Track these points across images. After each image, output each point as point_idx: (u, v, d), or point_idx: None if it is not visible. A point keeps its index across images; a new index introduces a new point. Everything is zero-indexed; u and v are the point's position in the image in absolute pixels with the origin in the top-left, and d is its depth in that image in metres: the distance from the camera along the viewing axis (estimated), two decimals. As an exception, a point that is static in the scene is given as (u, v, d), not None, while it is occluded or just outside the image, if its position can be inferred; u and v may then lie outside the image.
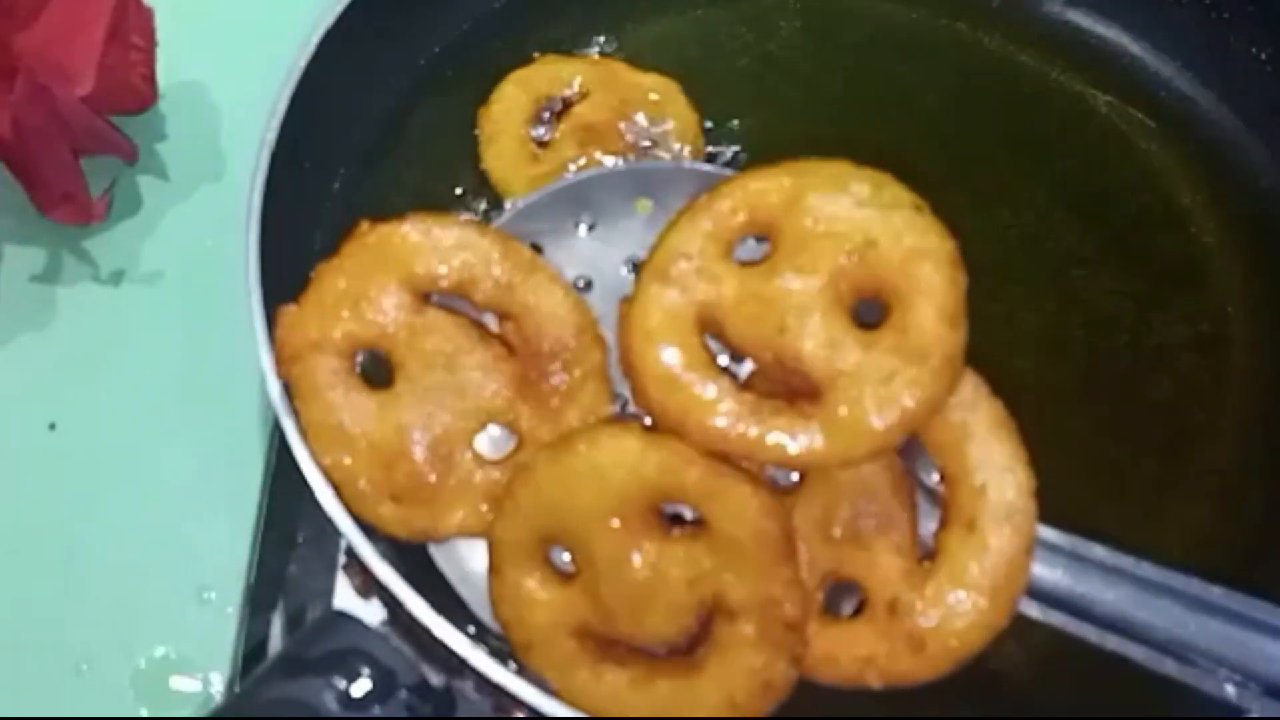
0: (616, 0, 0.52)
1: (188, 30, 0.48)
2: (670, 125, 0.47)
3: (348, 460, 0.35)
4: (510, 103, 0.48)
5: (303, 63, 0.43)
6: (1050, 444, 0.42)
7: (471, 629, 0.36)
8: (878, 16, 0.53)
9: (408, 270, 0.36)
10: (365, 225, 0.37)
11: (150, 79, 0.47)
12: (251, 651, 0.40)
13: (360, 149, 0.48)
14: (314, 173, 0.44)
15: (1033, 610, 0.35)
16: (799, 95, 0.51)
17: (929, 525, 0.35)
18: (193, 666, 0.39)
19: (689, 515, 0.34)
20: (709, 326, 0.35)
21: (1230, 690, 0.34)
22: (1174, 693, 0.35)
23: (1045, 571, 0.35)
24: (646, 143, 0.47)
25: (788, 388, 0.34)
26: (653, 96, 0.48)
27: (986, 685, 0.34)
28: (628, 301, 0.35)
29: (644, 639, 0.33)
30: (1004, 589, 0.33)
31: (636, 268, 0.40)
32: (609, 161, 0.46)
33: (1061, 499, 0.35)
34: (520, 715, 0.35)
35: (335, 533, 0.35)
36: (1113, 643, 0.35)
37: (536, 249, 0.41)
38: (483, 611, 0.36)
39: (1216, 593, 0.35)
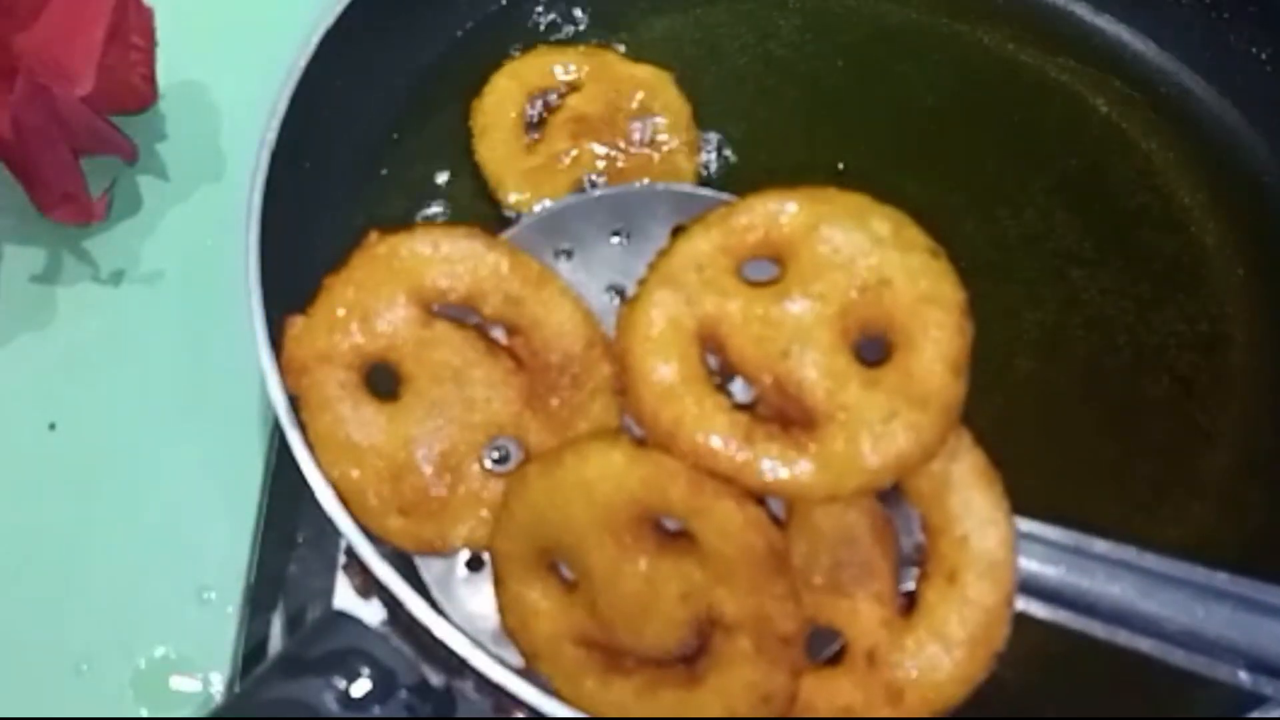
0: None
1: (188, 30, 0.48)
2: (663, 117, 0.47)
3: (356, 473, 0.35)
4: (502, 95, 0.48)
5: (303, 63, 0.43)
6: (1050, 444, 0.43)
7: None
8: (878, 16, 0.53)
9: (416, 283, 0.36)
10: (374, 236, 0.37)
11: (150, 79, 0.47)
12: (251, 651, 0.40)
13: (360, 149, 0.48)
14: (314, 173, 0.44)
15: (1037, 609, 0.35)
16: (799, 95, 0.51)
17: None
18: (193, 666, 0.39)
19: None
20: (710, 342, 0.34)
21: (1243, 676, 0.34)
22: (1186, 683, 0.35)
23: (1048, 569, 0.35)
24: (639, 134, 0.47)
25: (782, 414, 0.33)
26: (642, 91, 0.48)
27: (986, 687, 0.34)
28: (630, 304, 0.35)
29: (644, 650, 0.33)
30: (983, 642, 0.33)
31: (620, 295, 0.40)
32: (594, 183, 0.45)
33: (1062, 499, 0.35)
34: (520, 715, 0.35)
35: (335, 533, 0.35)
36: (1121, 637, 0.35)
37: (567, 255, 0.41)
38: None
39: (1222, 579, 0.35)
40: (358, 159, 0.48)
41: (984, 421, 0.35)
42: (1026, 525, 0.35)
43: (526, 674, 0.33)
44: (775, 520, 0.33)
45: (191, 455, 0.43)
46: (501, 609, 0.35)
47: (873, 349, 0.34)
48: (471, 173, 0.47)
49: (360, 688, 0.33)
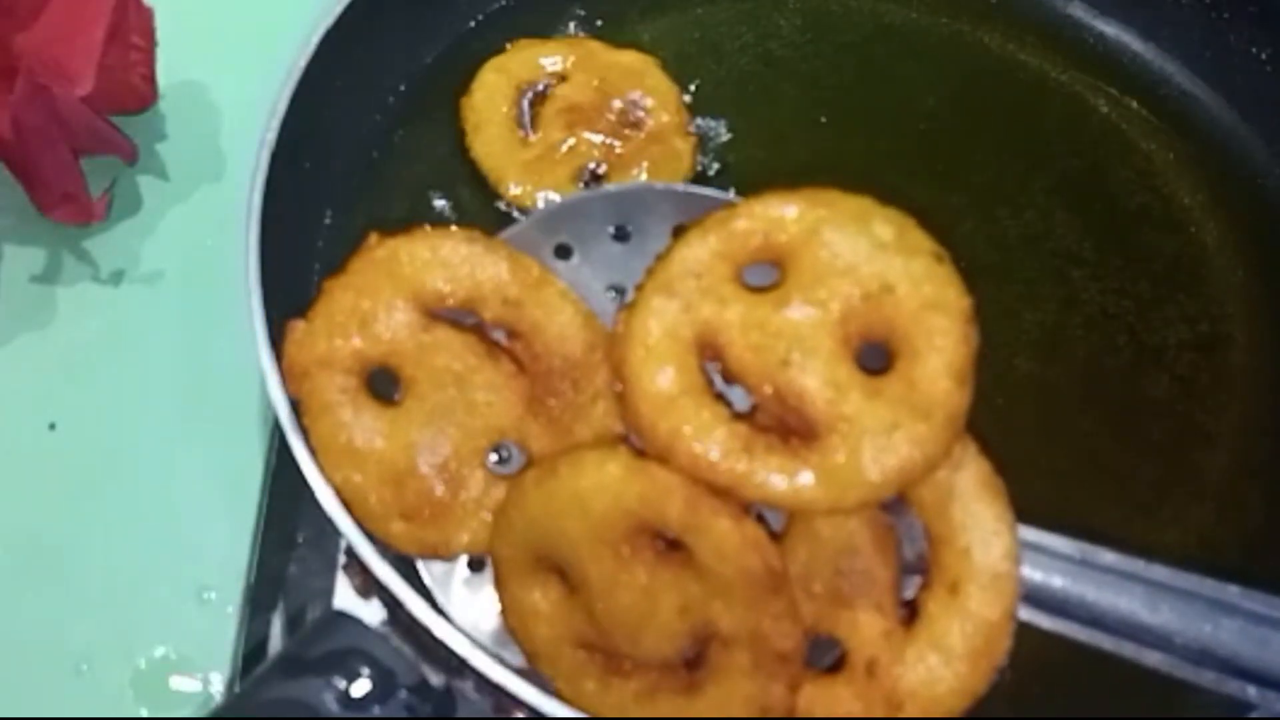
0: (616, -1, 0.52)
1: (188, 30, 0.48)
2: (652, 101, 0.48)
3: (358, 478, 0.35)
4: (491, 90, 0.48)
5: (303, 63, 0.43)
6: (1050, 444, 0.43)
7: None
8: (878, 16, 0.53)
9: (416, 286, 0.36)
10: (374, 239, 0.37)
11: (150, 79, 0.47)
12: (251, 651, 0.39)
13: (360, 148, 0.48)
14: (314, 173, 0.44)
15: (1043, 620, 0.35)
16: (799, 94, 0.51)
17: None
18: (193, 666, 0.39)
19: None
20: (709, 350, 0.33)
21: (1252, 692, 0.34)
22: (1191, 697, 0.35)
23: (1054, 579, 0.35)
24: (632, 118, 0.47)
25: (782, 424, 0.33)
26: (629, 77, 0.48)
27: (986, 698, 0.34)
28: (628, 310, 0.34)
29: (642, 657, 0.33)
30: (984, 655, 0.33)
31: (620, 294, 0.40)
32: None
33: (1062, 499, 0.35)
34: (520, 715, 0.35)
35: (335, 533, 0.35)
36: (1128, 650, 0.34)
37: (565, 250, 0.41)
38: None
39: (1233, 592, 0.34)
40: (358, 159, 0.48)
41: (983, 422, 0.34)
42: (1032, 535, 0.35)
43: (526, 674, 0.33)
44: (773, 534, 0.32)
45: (191, 455, 0.43)
46: (503, 610, 0.35)
47: (875, 355, 0.33)
48: (471, 172, 0.47)
49: (360, 688, 0.33)
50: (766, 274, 0.35)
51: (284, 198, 0.40)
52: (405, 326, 0.36)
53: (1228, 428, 0.44)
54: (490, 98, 0.48)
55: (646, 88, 0.48)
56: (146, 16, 0.46)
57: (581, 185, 0.46)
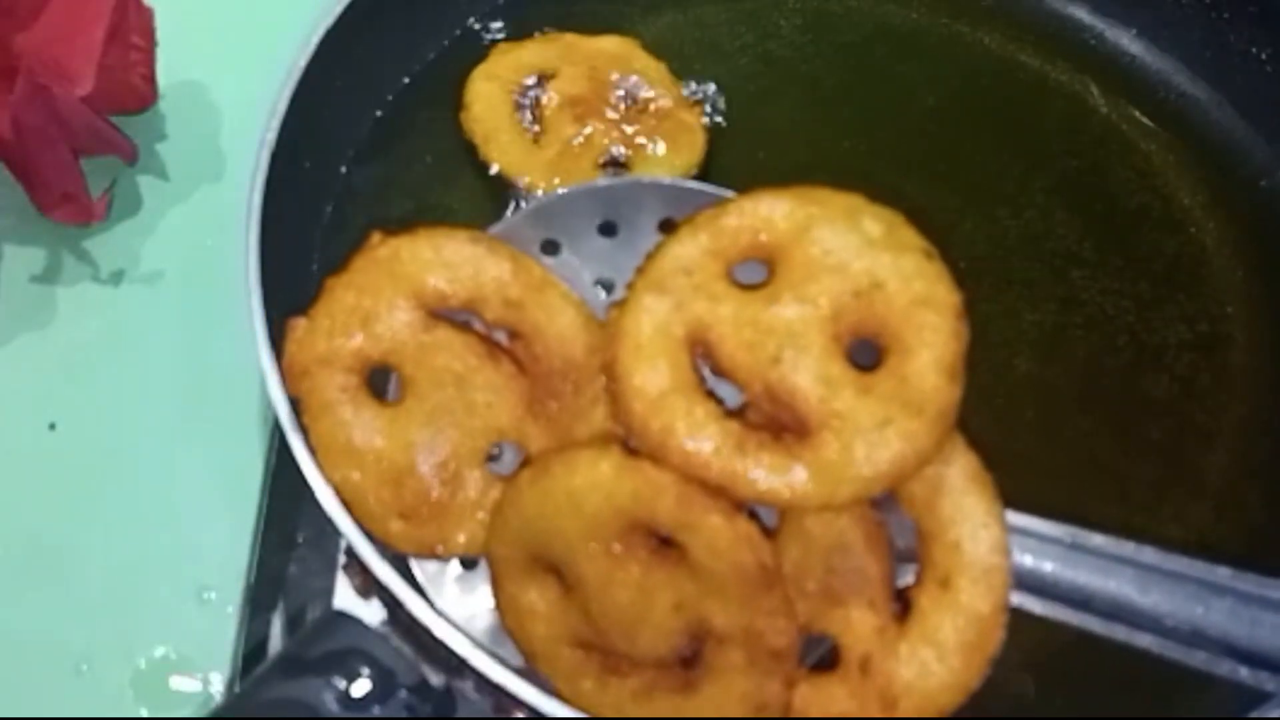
0: (617, -1, 0.52)
1: (188, 30, 0.48)
2: (649, 81, 0.48)
3: (357, 477, 0.35)
4: (488, 98, 0.48)
5: (303, 63, 0.43)
6: (1050, 444, 0.43)
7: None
8: (878, 16, 0.53)
9: (418, 286, 0.36)
10: (376, 237, 0.36)
11: (150, 79, 0.47)
12: (251, 651, 0.39)
13: (360, 149, 0.48)
14: (314, 173, 0.44)
15: (1034, 604, 0.35)
16: (798, 94, 0.51)
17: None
18: (193, 666, 0.39)
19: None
20: (700, 348, 0.34)
21: (1244, 672, 0.34)
22: (1185, 679, 0.35)
23: (1045, 563, 0.35)
24: (634, 98, 0.48)
25: (774, 421, 0.33)
26: (616, 61, 0.49)
27: (982, 689, 0.34)
28: (619, 308, 0.34)
29: (638, 655, 0.33)
30: (978, 648, 0.33)
31: (608, 290, 0.40)
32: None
33: (1061, 499, 0.35)
34: (520, 715, 0.35)
35: (335, 533, 0.35)
36: (1119, 632, 0.34)
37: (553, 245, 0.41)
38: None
39: (1222, 574, 0.34)
40: (358, 159, 0.48)
41: (984, 422, 0.35)
42: (1023, 520, 0.35)
43: (526, 674, 0.33)
44: (765, 530, 0.32)
45: (191, 455, 0.43)
46: (499, 610, 0.35)
47: (866, 352, 0.34)
48: (472, 173, 0.47)
49: (360, 688, 0.33)
50: (757, 272, 0.35)
51: (284, 197, 0.40)
52: (406, 326, 0.36)
53: (1228, 428, 0.44)
54: (490, 107, 0.48)
55: (637, 70, 0.49)
56: (146, 16, 0.46)
57: (611, 172, 0.46)
